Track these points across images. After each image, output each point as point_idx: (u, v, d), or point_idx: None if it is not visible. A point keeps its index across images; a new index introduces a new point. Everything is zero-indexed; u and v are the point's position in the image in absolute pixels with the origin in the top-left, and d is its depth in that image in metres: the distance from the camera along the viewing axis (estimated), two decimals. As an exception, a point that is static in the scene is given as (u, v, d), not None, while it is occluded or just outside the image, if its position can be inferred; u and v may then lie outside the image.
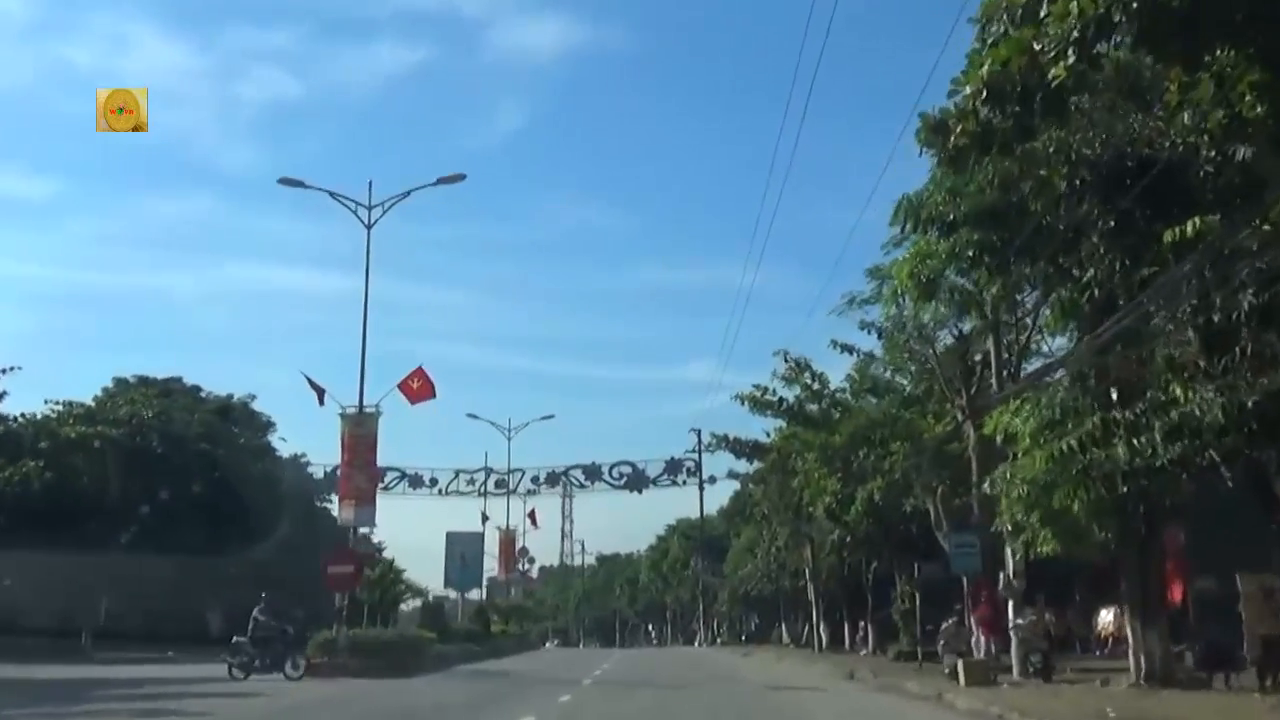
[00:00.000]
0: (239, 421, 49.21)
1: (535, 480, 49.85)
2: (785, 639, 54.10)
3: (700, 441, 52.55)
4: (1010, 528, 16.33)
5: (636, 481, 48.33)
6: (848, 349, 29.87)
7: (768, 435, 38.96)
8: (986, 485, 16.88)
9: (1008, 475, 15.95)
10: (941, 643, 20.25)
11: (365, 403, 26.17)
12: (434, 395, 26.84)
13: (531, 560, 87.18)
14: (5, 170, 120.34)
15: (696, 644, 72.13)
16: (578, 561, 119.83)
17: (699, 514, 70.13)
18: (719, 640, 71.15)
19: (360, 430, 26.39)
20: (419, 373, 27.18)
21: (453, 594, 50.12)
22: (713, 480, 52.06)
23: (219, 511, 39.55)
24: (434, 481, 49.38)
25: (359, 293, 31.48)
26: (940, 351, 25.19)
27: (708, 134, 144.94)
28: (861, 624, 37.44)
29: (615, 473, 49.03)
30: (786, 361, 29.83)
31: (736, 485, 60.04)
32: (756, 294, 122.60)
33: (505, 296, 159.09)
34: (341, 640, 24.23)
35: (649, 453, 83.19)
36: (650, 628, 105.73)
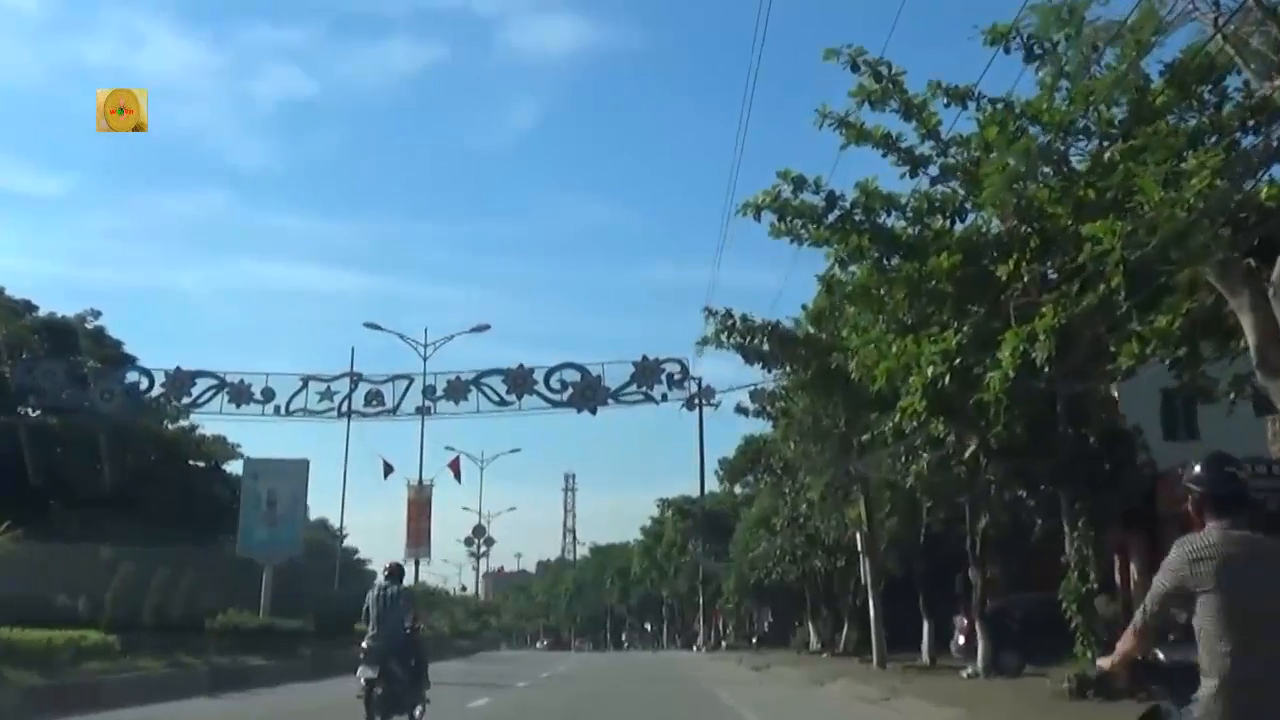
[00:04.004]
0: (82, 348, 38.40)
1: (430, 393, 31.41)
2: (814, 642, 39.48)
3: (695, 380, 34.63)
4: None
5: (588, 394, 29.59)
6: (961, 98, 14.32)
7: (797, 322, 24.50)
8: None
9: None
10: None
11: None
12: None
13: (490, 542, 72.53)
14: (20, 167, 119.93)
15: (694, 649, 58.41)
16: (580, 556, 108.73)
17: (699, 474, 55.74)
18: (724, 643, 56.96)
19: None
20: None
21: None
22: (712, 400, 32.43)
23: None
24: (269, 395, 31.35)
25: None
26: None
27: (719, 133, 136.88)
28: (962, 622, 21.84)
29: (556, 381, 30.24)
30: (856, 69, 13.89)
31: (743, 429, 45.09)
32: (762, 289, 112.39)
33: (512, 293, 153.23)
34: None
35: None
36: (648, 626, 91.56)
